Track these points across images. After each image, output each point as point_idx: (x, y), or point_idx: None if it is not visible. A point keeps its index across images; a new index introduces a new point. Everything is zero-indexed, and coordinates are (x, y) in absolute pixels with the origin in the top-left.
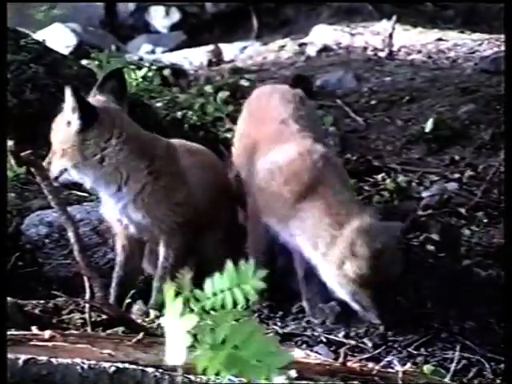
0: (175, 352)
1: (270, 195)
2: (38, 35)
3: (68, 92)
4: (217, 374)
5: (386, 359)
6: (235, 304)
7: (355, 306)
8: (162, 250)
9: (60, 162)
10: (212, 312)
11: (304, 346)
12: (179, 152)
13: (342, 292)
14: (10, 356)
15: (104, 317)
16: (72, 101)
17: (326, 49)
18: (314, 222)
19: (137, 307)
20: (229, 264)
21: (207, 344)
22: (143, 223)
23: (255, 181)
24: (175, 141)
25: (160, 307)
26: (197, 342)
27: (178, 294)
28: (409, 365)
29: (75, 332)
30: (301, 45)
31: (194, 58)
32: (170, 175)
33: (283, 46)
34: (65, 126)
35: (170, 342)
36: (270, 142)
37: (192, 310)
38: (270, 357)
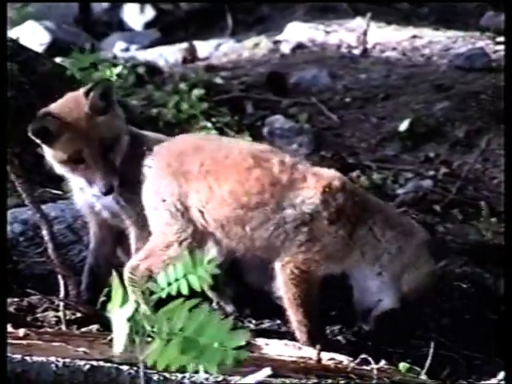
0: (118, 340)
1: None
2: (12, 33)
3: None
4: (165, 369)
5: (361, 356)
6: (192, 290)
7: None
8: (132, 246)
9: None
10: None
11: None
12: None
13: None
14: None
15: (78, 315)
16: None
17: (300, 46)
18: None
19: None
20: (185, 254)
21: (164, 333)
22: (115, 209)
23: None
24: (154, 134)
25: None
26: (154, 333)
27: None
28: (383, 362)
29: (50, 330)
30: (275, 42)
31: (168, 55)
32: None
33: (258, 44)
34: None
35: (115, 332)
36: None
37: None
38: (225, 338)
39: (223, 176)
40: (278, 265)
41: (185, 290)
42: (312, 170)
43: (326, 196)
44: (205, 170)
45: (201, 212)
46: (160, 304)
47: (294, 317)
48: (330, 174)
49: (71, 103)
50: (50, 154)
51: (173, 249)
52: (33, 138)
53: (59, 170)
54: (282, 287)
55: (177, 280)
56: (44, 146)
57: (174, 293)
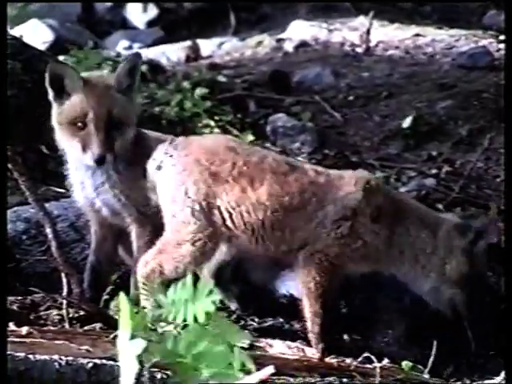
0: (125, 376)
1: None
2: (15, 31)
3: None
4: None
5: (364, 355)
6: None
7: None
8: (134, 245)
9: None
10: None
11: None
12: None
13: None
14: None
15: (82, 313)
16: None
17: (303, 44)
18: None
19: (114, 303)
20: (188, 278)
21: (166, 350)
22: (115, 206)
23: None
24: (155, 133)
25: (137, 302)
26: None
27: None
28: (386, 360)
29: (53, 328)
30: (278, 40)
31: (171, 53)
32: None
33: (261, 42)
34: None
35: (122, 365)
36: None
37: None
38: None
39: (259, 179)
40: (305, 253)
41: (180, 318)
42: (346, 172)
43: (367, 193)
44: (237, 171)
45: (229, 213)
46: None
47: (310, 307)
48: (366, 174)
49: (96, 73)
50: (55, 113)
51: (185, 247)
52: (47, 86)
53: (59, 134)
54: (304, 276)
55: (180, 301)
56: (53, 103)
57: (170, 318)
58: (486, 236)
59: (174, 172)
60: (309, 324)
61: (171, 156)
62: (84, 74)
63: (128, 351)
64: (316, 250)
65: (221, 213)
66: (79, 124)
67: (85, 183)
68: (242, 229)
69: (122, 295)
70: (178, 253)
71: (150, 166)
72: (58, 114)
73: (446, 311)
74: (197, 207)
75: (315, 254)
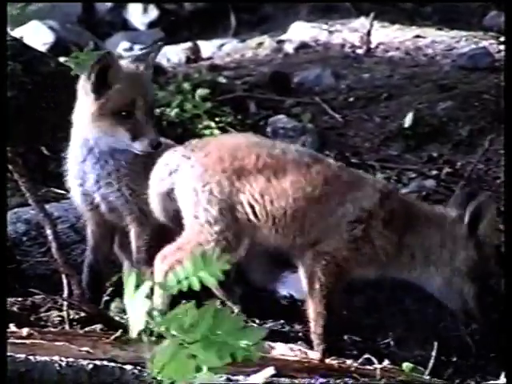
0: (135, 321)
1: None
2: (16, 32)
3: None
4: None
5: (365, 356)
6: (203, 286)
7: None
8: (133, 245)
9: None
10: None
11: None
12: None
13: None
14: None
15: (82, 314)
16: None
17: (303, 46)
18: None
19: (115, 304)
20: (194, 253)
21: (176, 330)
22: (117, 202)
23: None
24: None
25: None
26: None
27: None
28: (387, 362)
29: (53, 329)
30: (279, 42)
31: (172, 55)
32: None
33: (261, 43)
34: None
35: (130, 314)
36: None
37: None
38: (243, 334)
39: (282, 169)
40: (311, 253)
41: (196, 287)
42: (366, 174)
43: (383, 197)
44: (262, 163)
45: (251, 207)
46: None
47: (314, 308)
48: (381, 180)
49: (131, 66)
50: (95, 104)
51: (207, 248)
52: (92, 77)
53: (97, 125)
54: (309, 276)
55: (187, 278)
56: (89, 95)
57: (185, 289)
58: (484, 215)
59: (196, 174)
60: (312, 325)
61: (189, 158)
62: (122, 64)
63: (136, 297)
64: (324, 251)
65: (243, 208)
66: (124, 113)
67: (86, 177)
68: (264, 220)
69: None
70: (199, 252)
71: (162, 171)
72: (99, 105)
73: (457, 306)
74: (224, 205)
75: (323, 255)
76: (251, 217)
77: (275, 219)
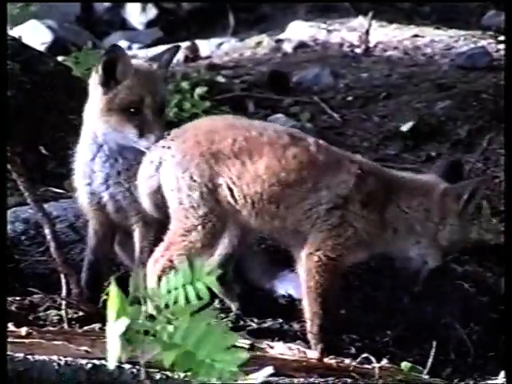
0: (111, 355)
1: None
2: (14, 32)
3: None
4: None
5: (363, 355)
6: (188, 301)
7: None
8: (136, 245)
9: None
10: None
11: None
12: None
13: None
14: None
15: (81, 313)
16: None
17: (302, 45)
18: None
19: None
20: (184, 262)
21: (163, 344)
22: (124, 202)
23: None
24: None
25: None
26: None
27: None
28: (385, 361)
29: (52, 329)
30: (277, 41)
31: None
32: None
33: (260, 43)
34: None
35: (109, 345)
36: None
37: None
38: (224, 356)
39: (258, 152)
40: (304, 252)
41: (181, 301)
42: (344, 153)
43: (359, 179)
44: (238, 146)
45: (230, 190)
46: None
47: (310, 307)
48: (360, 158)
49: (143, 63)
50: (104, 99)
51: (195, 232)
52: (100, 71)
53: (106, 121)
54: (306, 275)
55: (176, 289)
56: (98, 89)
57: (171, 303)
58: (477, 196)
59: (176, 161)
60: (308, 324)
61: (169, 148)
62: (133, 61)
63: (113, 331)
64: (315, 249)
65: (223, 190)
66: (132, 110)
67: (94, 176)
68: (242, 203)
69: (112, 281)
70: (188, 240)
71: (148, 168)
72: (108, 100)
73: (405, 268)
74: (204, 189)
75: (314, 253)
76: (230, 199)
77: (254, 203)
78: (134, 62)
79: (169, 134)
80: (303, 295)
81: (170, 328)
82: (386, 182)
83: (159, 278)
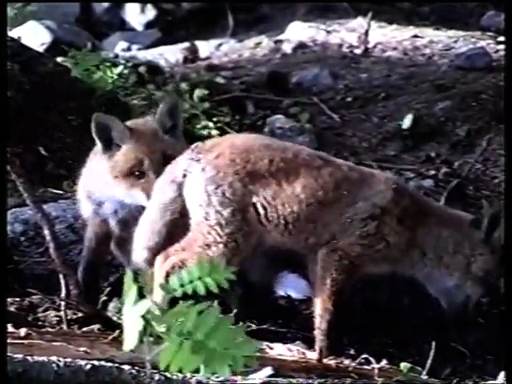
0: (129, 338)
1: None
2: (13, 32)
3: None
4: (180, 370)
5: (362, 356)
6: (208, 292)
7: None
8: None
9: None
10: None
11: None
12: None
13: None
14: None
15: (80, 314)
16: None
17: (301, 46)
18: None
19: (113, 305)
20: (201, 257)
21: (174, 334)
22: (131, 223)
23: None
24: None
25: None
26: (164, 334)
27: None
28: (385, 361)
29: (51, 330)
30: (276, 42)
31: (169, 55)
32: None
33: (259, 43)
34: None
35: (127, 329)
36: None
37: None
38: (236, 346)
39: (294, 173)
40: (325, 249)
41: (201, 291)
42: (376, 171)
43: (396, 193)
44: (275, 167)
45: (264, 209)
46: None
47: (323, 303)
48: (393, 176)
49: (139, 120)
50: (109, 166)
51: (215, 248)
52: (95, 139)
53: (115, 187)
54: (322, 271)
55: (191, 282)
56: (103, 156)
57: (190, 293)
58: (500, 222)
59: (207, 176)
60: (317, 320)
61: (198, 161)
62: (128, 123)
63: (133, 313)
64: (338, 248)
65: (256, 209)
66: (136, 173)
67: (104, 205)
68: (275, 223)
69: (128, 272)
70: (205, 253)
71: (171, 178)
72: (111, 167)
73: (455, 309)
74: (236, 207)
75: (336, 251)
76: (262, 219)
77: (287, 223)
78: (129, 123)
79: (196, 147)
80: (316, 291)
81: (179, 323)
82: (421, 203)
83: (167, 274)
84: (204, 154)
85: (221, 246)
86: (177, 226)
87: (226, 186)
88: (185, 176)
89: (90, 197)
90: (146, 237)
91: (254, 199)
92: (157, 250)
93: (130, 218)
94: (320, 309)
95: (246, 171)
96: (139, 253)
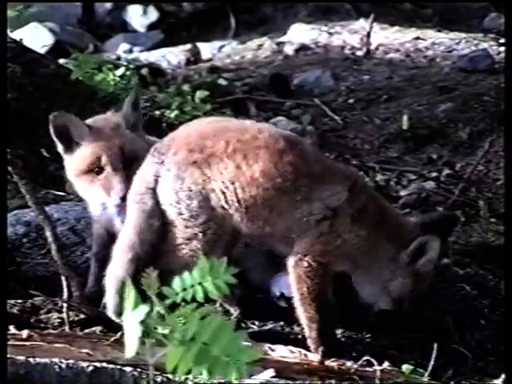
0: (129, 344)
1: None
2: (15, 34)
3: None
4: (188, 373)
5: (364, 358)
6: (207, 297)
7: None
8: None
9: None
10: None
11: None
12: None
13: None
14: None
15: (82, 316)
16: None
17: (303, 48)
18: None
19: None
20: (201, 260)
21: (177, 340)
22: None
23: None
24: None
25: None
26: (166, 339)
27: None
28: (387, 363)
29: (53, 331)
30: (279, 44)
31: (171, 57)
32: None
33: (261, 45)
34: None
35: (127, 335)
36: None
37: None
38: (239, 352)
39: (253, 155)
40: (293, 259)
41: (200, 297)
42: (338, 165)
43: (352, 194)
44: (231, 149)
45: (223, 193)
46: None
47: (306, 313)
48: (355, 173)
49: (100, 116)
50: (69, 165)
51: (196, 241)
52: (54, 138)
53: (78, 186)
54: (296, 282)
55: (192, 286)
56: (64, 156)
57: (189, 298)
58: (426, 253)
59: (171, 175)
60: (306, 330)
61: (162, 163)
62: (88, 121)
63: (131, 320)
64: (303, 254)
65: (216, 195)
66: (96, 169)
67: (106, 205)
68: (235, 207)
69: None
70: (189, 248)
71: (144, 186)
72: (72, 166)
73: (362, 306)
74: (201, 197)
75: (303, 258)
76: (223, 203)
77: (248, 207)
78: (90, 120)
79: (155, 150)
80: (296, 303)
81: (183, 326)
82: (378, 207)
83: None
84: (165, 153)
85: (200, 236)
86: (162, 233)
87: (188, 179)
88: (156, 181)
89: None
90: (133, 248)
91: (214, 184)
92: (145, 259)
93: None
94: (305, 318)
95: (203, 157)
96: (123, 266)
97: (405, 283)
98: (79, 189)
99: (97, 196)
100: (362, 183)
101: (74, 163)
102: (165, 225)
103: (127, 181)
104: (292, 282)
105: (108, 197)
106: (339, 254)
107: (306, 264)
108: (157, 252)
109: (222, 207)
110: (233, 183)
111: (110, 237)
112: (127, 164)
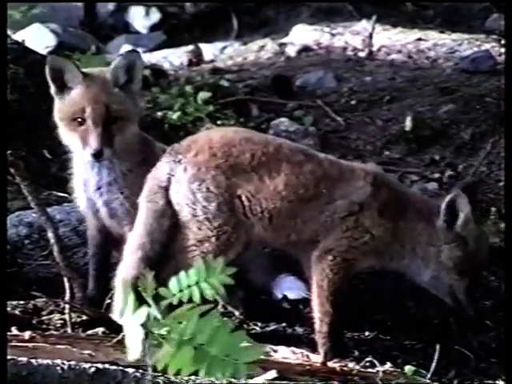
0: (132, 347)
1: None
2: (18, 36)
3: None
4: (177, 374)
5: (367, 359)
6: (203, 298)
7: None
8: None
9: None
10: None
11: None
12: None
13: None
14: None
15: (84, 317)
16: None
17: (306, 49)
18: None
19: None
20: (198, 261)
21: (174, 340)
22: (117, 209)
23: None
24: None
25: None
26: (164, 339)
27: (138, 294)
28: (389, 364)
29: (55, 333)
30: (281, 45)
31: (173, 58)
32: None
33: (263, 46)
34: None
35: (128, 339)
36: None
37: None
38: (238, 352)
39: (276, 168)
40: (318, 253)
41: (196, 298)
42: (357, 164)
43: (375, 187)
44: (257, 162)
45: (249, 201)
46: (171, 309)
47: (320, 307)
48: (375, 168)
49: (97, 68)
50: (57, 108)
51: (208, 243)
52: (48, 80)
53: (61, 130)
54: (317, 274)
55: (189, 287)
56: (55, 98)
57: (185, 300)
58: (459, 210)
59: (188, 175)
60: (317, 323)
61: (179, 162)
62: (85, 69)
63: (133, 323)
64: (329, 249)
65: (241, 201)
66: (79, 119)
67: (88, 183)
68: (259, 217)
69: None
70: (200, 250)
71: (156, 184)
72: (59, 109)
73: (447, 299)
74: (221, 200)
75: (328, 252)
76: (247, 212)
77: (271, 217)
78: (86, 69)
79: (173, 148)
80: (313, 296)
81: (180, 327)
82: (400, 195)
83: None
84: (183, 153)
85: (213, 239)
86: (173, 233)
87: (209, 181)
88: (169, 179)
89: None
90: (143, 248)
91: (239, 191)
92: (156, 259)
93: (118, 203)
94: (319, 312)
95: (228, 165)
96: (133, 265)
97: (452, 248)
98: (61, 132)
99: (74, 146)
100: (382, 176)
101: (62, 108)
102: (176, 225)
103: (106, 138)
104: (313, 274)
105: (83, 149)
106: (367, 251)
107: (330, 258)
108: (166, 252)
109: (245, 215)
110: (257, 194)
111: (104, 237)
112: (111, 122)
